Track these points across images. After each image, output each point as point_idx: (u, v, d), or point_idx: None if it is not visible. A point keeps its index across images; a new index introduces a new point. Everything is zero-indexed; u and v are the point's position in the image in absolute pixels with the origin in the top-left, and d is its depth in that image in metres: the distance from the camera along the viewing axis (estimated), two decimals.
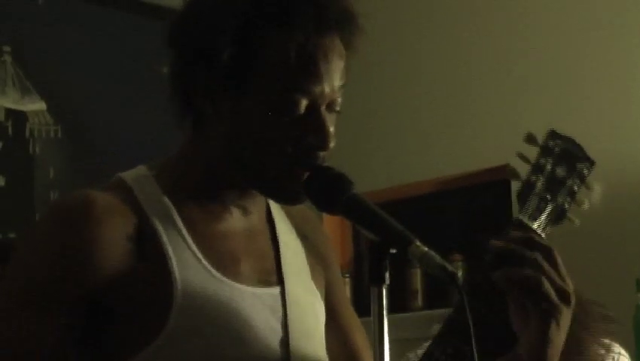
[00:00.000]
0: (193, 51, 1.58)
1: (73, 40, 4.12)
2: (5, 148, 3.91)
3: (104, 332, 1.55)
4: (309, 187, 1.54)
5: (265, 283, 1.63)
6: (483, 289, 1.59)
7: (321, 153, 1.55)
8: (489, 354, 1.55)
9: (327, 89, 1.55)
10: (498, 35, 4.28)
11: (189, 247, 1.57)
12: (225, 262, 1.60)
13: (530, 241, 1.61)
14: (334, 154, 1.59)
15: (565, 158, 1.73)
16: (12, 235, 3.86)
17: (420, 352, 2.75)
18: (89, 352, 1.57)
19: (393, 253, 1.41)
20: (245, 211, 1.65)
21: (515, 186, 1.71)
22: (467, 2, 4.39)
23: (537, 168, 1.71)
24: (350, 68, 1.62)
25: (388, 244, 1.40)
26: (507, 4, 4.28)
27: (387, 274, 1.39)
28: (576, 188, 1.70)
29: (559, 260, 1.60)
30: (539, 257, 1.58)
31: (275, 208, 1.73)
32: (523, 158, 1.71)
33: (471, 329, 1.37)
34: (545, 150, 1.72)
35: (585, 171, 1.73)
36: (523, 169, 1.71)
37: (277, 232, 1.70)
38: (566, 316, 1.59)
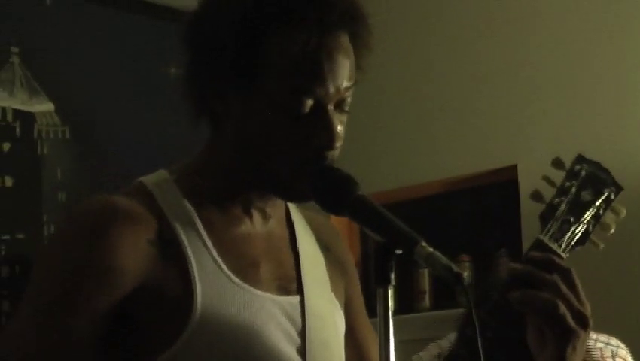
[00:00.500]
0: (202, 51, 1.58)
1: (81, 41, 4.12)
2: (13, 149, 3.91)
3: (121, 337, 1.55)
4: (315, 188, 1.54)
5: (284, 290, 1.63)
6: (499, 307, 1.59)
7: (329, 153, 1.55)
8: None
9: (331, 89, 1.54)
10: (507, 36, 4.27)
11: (209, 252, 1.57)
12: (245, 267, 1.59)
13: (549, 261, 1.60)
14: (341, 155, 1.59)
15: (591, 182, 1.73)
16: (20, 236, 3.86)
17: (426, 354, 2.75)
18: (106, 357, 1.57)
19: (399, 254, 1.40)
20: (265, 215, 1.65)
21: (539, 207, 1.71)
22: (475, 4, 4.39)
23: (561, 191, 1.72)
24: (363, 67, 1.61)
25: (394, 244, 1.40)
26: (516, 7, 4.27)
27: (392, 275, 1.39)
28: (601, 212, 1.71)
29: (578, 283, 1.59)
30: (557, 279, 1.57)
31: (297, 216, 1.73)
32: (549, 181, 1.71)
33: (477, 330, 1.37)
34: (571, 174, 1.73)
35: (612, 196, 1.74)
36: (548, 192, 1.73)
37: (297, 239, 1.70)
38: (583, 340, 1.58)
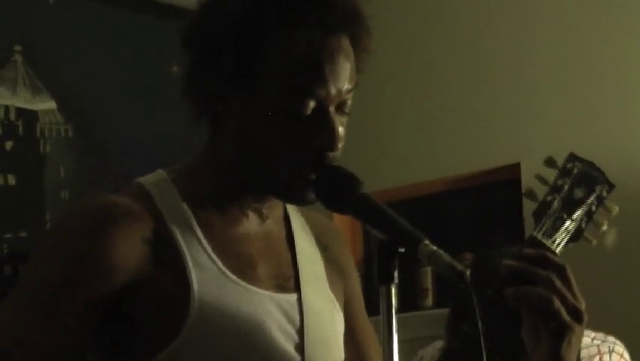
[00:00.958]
0: (202, 51, 1.58)
1: (83, 40, 4.12)
2: (16, 147, 3.91)
3: (120, 337, 1.56)
4: (318, 187, 1.54)
5: (282, 288, 1.63)
6: (494, 303, 1.60)
7: (330, 154, 1.55)
8: None
9: (333, 91, 1.54)
10: (508, 34, 4.27)
11: (206, 251, 1.58)
12: (242, 266, 1.60)
13: (543, 258, 1.61)
14: (343, 153, 1.58)
15: (583, 180, 1.75)
16: (22, 234, 3.87)
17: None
18: (105, 357, 1.58)
19: (402, 252, 1.40)
20: (262, 215, 1.65)
21: (531, 205, 1.72)
22: (477, 3, 4.39)
23: (554, 189, 1.74)
24: (363, 70, 1.60)
25: (397, 243, 1.40)
26: (517, 6, 4.27)
27: (396, 273, 1.39)
28: (594, 209, 1.73)
29: (572, 278, 1.60)
30: (552, 275, 1.58)
31: (295, 216, 1.73)
32: (541, 179, 1.73)
33: (479, 327, 1.37)
34: (563, 172, 1.75)
35: (604, 193, 1.75)
36: (542, 191, 1.74)
37: (294, 238, 1.70)
38: (578, 334, 1.58)
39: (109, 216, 1.54)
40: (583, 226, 1.71)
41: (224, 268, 1.58)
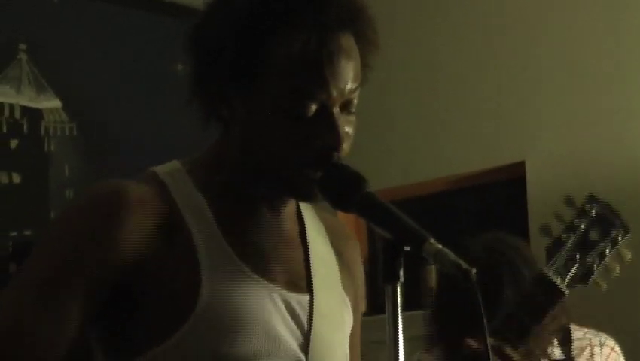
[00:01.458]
0: (204, 53, 1.58)
1: (88, 38, 4.13)
2: (20, 146, 3.92)
3: (127, 324, 1.56)
4: (324, 185, 1.53)
5: (294, 287, 1.63)
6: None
7: (335, 154, 1.54)
8: None
9: (334, 92, 1.53)
10: (514, 32, 4.27)
11: (219, 241, 1.58)
12: (255, 258, 1.60)
13: (500, 351, 1.64)
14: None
15: (600, 223, 1.77)
16: (27, 233, 3.87)
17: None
18: (111, 343, 1.58)
19: (407, 251, 1.40)
20: (275, 209, 1.65)
21: (546, 206, 1.74)
22: (481, 2, 4.38)
23: (570, 228, 1.75)
24: (370, 65, 1.59)
25: (403, 241, 1.40)
26: (524, 4, 4.27)
27: (401, 272, 1.39)
28: (607, 252, 1.75)
29: None
30: None
31: (308, 213, 1.72)
32: (558, 218, 1.74)
33: (485, 326, 1.37)
34: (581, 213, 1.76)
35: (619, 238, 1.77)
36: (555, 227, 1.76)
37: (307, 236, 1.69)
38: None
39: (122, 201, 1.53)
40: (595, 268, 1.73)
41: (235, 258, 1.58)
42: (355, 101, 1.57)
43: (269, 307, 1.57)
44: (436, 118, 4.44)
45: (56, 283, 1.52)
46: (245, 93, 1.55)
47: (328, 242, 1.73)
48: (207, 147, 1.67)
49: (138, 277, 1.53)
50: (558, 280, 1.68)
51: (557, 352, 2.44)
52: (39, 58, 3.99)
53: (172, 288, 1.53)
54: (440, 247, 1.38)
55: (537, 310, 1.81)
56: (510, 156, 4.21)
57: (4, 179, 3.86)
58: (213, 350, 1.52)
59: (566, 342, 2.46)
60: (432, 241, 1.38)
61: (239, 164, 1.61)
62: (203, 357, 1.52)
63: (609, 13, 4.05)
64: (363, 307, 1.81)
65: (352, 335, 1.73)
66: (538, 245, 3.75)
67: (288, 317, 1.60)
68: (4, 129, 3.89)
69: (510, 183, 4.27)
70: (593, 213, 1.76)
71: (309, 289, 1.65)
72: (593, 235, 1.75)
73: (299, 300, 1.62)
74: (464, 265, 1.36)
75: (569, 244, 1.72)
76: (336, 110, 1.54)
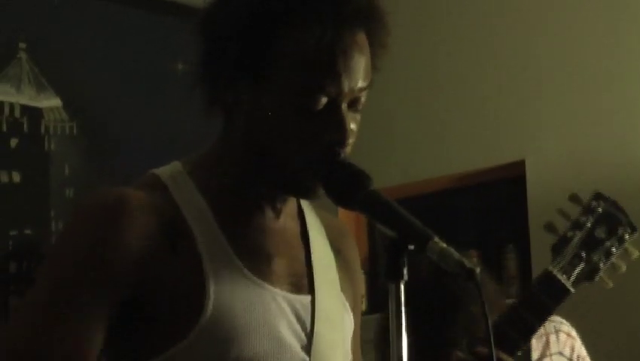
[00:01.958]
0: (214, 39, 1.57)
1: (88, 37, 4.13)
2: (21, 144, 3.91)
3: (133, 331, 1.55)
4: (327, 182, 1.53)
5: (296, 288, 1.63)
6: None
7: (340, 150, 1.53)
8: None
9: (346, 88, 1.52)
10: (515, 31, 4.27)
11: (222, 246, 1.57)
12: (258, 262, 1.59)
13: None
14: (350, 150, 1.58)
15: (606, 220, 1.76)
16: (27, 231, 3.87)
17: None
18: (116, 350, 1.57)
19: (411, 250, 1.40)
20: (277, 210, 1.64)
21: (547, 204, 1.73)
22: (483, 1, 4.38)
23: (576, 225, 1.74)
24: (378, 67, 1.58)
25: (407, 240, 1.40)
26: (525, 3, 4.27)
27: (405, 270, 1.39)
28: (614, 250, 1.74)
29: None
30: None
31: (309, 212, 1.72)
32: (563, 214, 1.73)
33: (489, 326, 1.37)
34: (587, 210, 1.75)
35: (626, 236, 1.76)
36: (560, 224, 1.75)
37: (309, 235, 1.69)
38: None
39: (124, 210, 1.52)
40: (601, 266, 1.72)
41: (240, 266, 1.57)
42: (363, 99, 1.56)
43: (275, 312, 1.57)
44: (436, 117, 4.45)
45: (70, 303, 1.50)
46: (253, 80, 1.54)
47: (327, 242, 1.73)
48: (209, 146, 1.66)
49: (146, 285, 1.52)
50: (563, 278, 1.68)
51: None
52: (39, 57, 3.99)
53: (178, 296, 1.53)
54: (445, 245, 1.37)
55: (542, 309, 1.80)
56: (511, 154, 4.21)
57: (4, 178, 3.86)
58: (219, 356, 1.52)
59: None
60: (436, 239, 1.38)
61: (240, 163, 1.60)
62: None
63: (609, 13, 4.05)
64: (362, 306, 1.81)
65: (353, 336, 1.74)
66: (538, 244, 3.76)
67: (293, 319, 1.60)
68: (4, 128, 3.89)
69: (510, 181, 4.27)
70: (600, 210, 1.75)
71: (310, 289, 1.64)
72: (599, 233, 1.74)
73: (302, 301, 1.62)
74: (468, 264, 1.35)
75: (575, 242, 1.71)
76: (344, 106, 1.53)
